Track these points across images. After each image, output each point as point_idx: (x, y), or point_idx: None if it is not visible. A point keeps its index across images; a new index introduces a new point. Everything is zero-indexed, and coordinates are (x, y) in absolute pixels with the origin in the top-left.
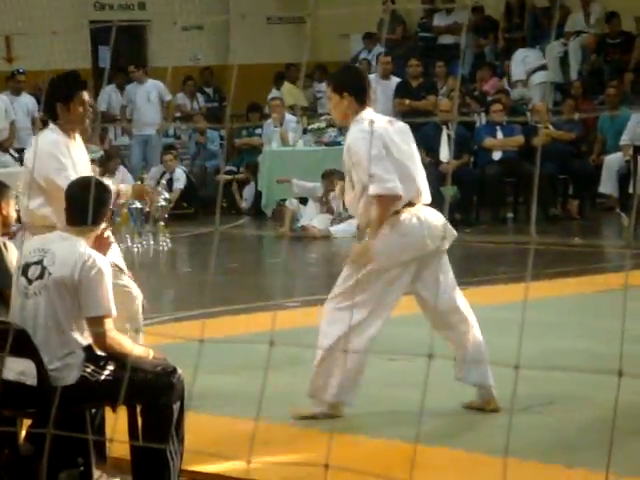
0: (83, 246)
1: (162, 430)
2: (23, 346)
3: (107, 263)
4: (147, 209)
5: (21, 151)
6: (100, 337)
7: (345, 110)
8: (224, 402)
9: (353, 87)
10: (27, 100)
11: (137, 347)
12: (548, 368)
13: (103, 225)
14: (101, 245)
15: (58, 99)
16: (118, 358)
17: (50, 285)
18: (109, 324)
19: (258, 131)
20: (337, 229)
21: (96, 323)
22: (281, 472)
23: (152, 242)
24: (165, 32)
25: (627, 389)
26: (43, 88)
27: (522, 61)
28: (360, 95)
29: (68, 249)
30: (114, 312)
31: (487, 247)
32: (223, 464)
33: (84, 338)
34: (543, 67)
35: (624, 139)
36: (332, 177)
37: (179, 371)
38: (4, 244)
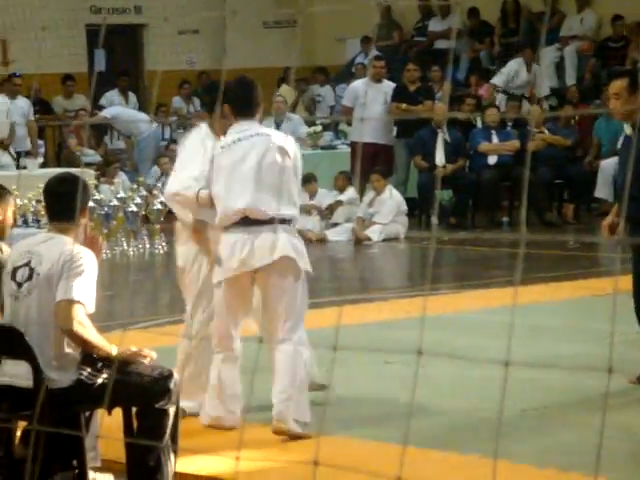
0: (68, 243)
1: (157, 433)
2: (18, 347)
3: (93, 260)
4: (143, 212)
5: (19, 154)
6: (65, 321)
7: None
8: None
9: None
10: (22, 103)
11: (114, 346)
12: (539, 365)
13: (85, 221)
14: (91, 248)
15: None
16: (112, 361)
17: (40, 284)
18: (79, 313)
19: None
20: (333, 232)
21: (63, 307)
22: (271, 471)
23: (148, 245)
24: (161, 36)
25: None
26: (37, 91)
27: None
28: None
29: (54, 247)
30: (90, 306)
31: (482, 251)
32: (214, 466)
33: None
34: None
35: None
36: (312, 181)
37: (176, 376)
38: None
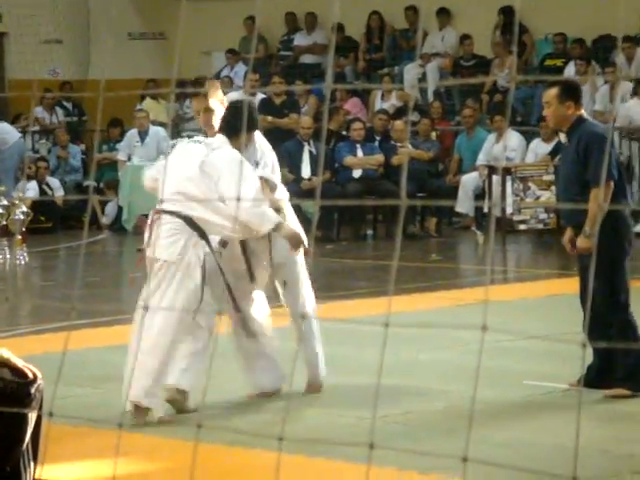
0: None
1: (14, 439)
2: None
3: None
4: (4, 222)
5: None
6: None
7: None
8: (85, 412)
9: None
10: None
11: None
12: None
13: None
14: None
15: None
16: None
17: None
18: None
19: (119, 146)
20: None
21: None
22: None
23: (9, 256)
24: (24, 44)
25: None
26: None
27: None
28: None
29: None
30: None
31: (347, 263)
32: (84, 472)
33: None
34: None
35: (480, 159)
36: None
37: (39, 381)
38: None
